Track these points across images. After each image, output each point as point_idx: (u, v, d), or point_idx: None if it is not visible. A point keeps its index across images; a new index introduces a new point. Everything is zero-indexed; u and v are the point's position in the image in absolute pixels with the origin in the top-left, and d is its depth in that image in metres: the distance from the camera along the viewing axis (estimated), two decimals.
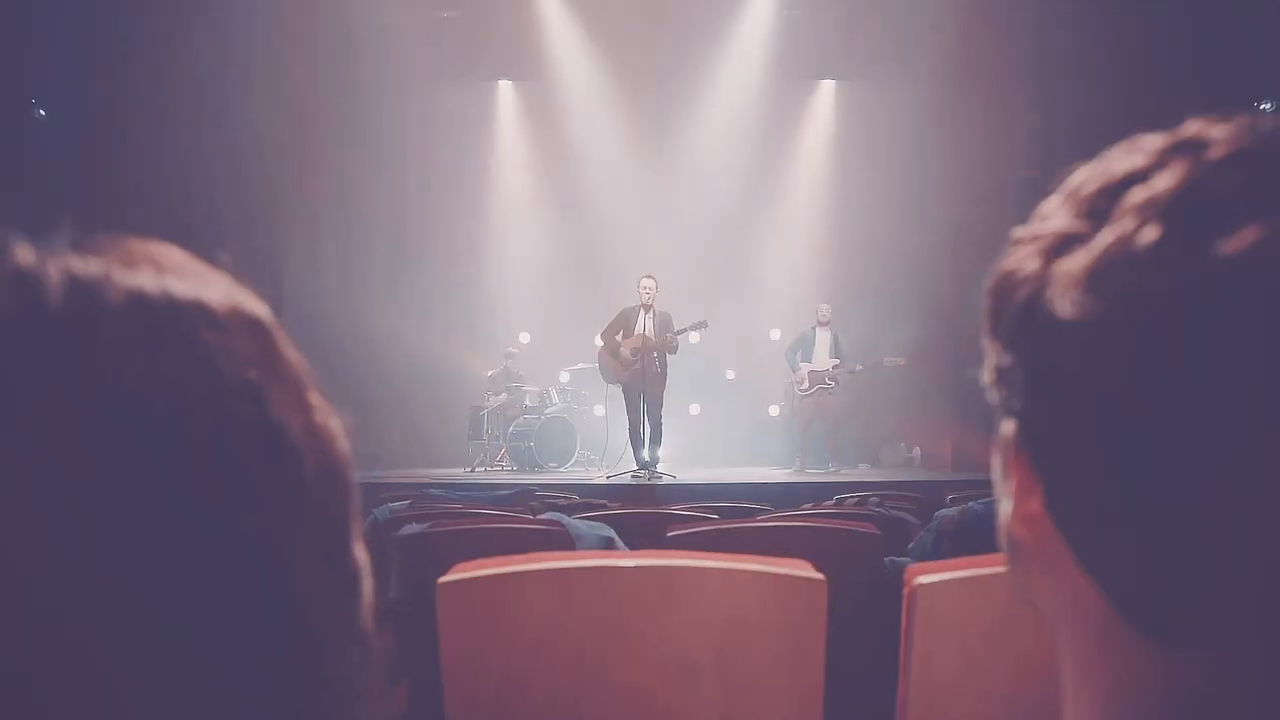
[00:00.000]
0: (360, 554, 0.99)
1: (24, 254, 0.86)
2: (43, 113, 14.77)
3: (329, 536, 0.95)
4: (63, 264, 0.86)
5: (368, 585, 0.98)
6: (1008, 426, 0.95)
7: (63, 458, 0.80)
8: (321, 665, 0.93)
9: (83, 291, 0.85)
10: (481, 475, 15.48)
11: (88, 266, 0.87)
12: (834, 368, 15.37)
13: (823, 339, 15.55)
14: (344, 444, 0.98)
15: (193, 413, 0.85)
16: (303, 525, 0.91)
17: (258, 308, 0.96)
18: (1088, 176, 0.91)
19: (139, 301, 0.87)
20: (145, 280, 0.88)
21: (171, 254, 0.95)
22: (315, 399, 0.97)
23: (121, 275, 0.88)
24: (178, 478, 0.83)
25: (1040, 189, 0.97)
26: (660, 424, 14.09)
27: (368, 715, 0.98)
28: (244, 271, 0.98)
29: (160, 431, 0.83)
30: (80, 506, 0.79)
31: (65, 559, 0.80)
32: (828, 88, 18.99)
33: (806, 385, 15.42)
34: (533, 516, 4.85)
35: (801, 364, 15.59)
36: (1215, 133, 0.85)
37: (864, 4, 16.70)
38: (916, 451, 17.96)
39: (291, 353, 0.97)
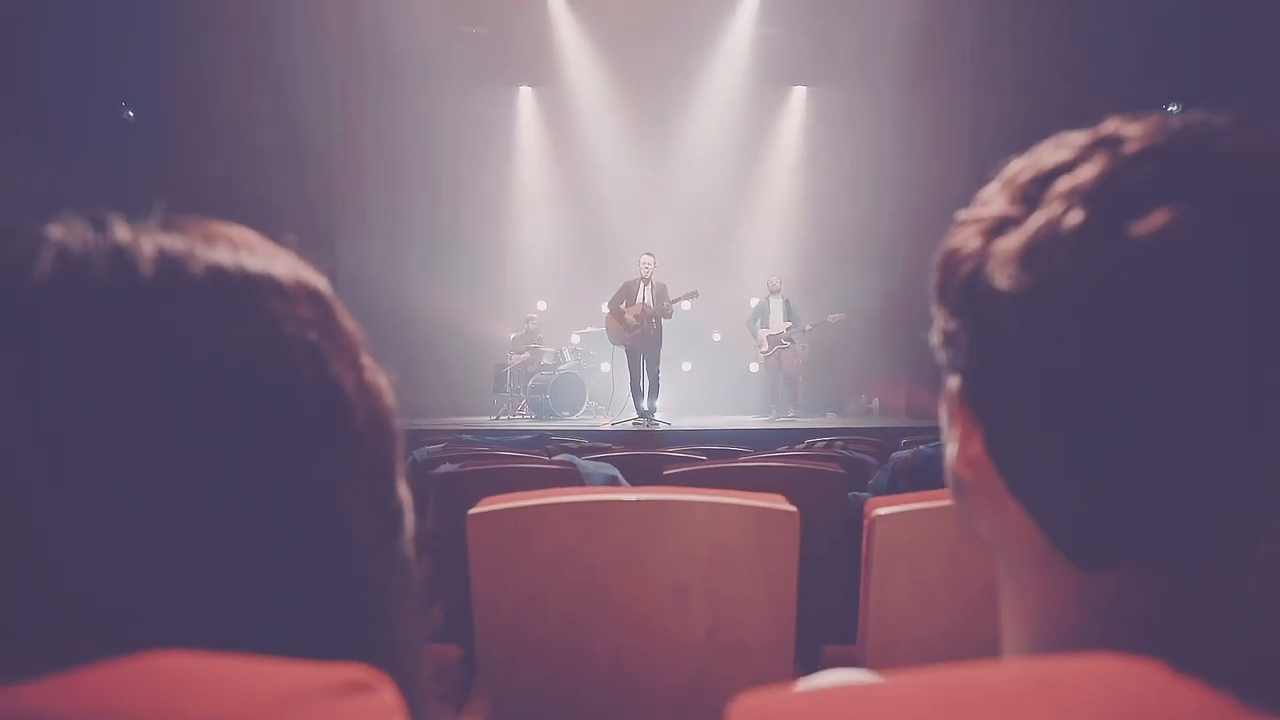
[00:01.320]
0: (403, 492, 1.01)
1: (121, 230, 0.88)
2: (131, 114, 14.78)
3: (377, 476, 0.97)
4: (154, 240, 0.88)
5: (409, 519, 1.01)
6: (953, 381, 0.96)
7: (151, 405, 0.81)
8: (369, 587, 0.94)
9: (170, 264, 0.87)
10: (505, 423, 15.57)
11: (174, 243, 0.89)
12: (788, 329, 15.46)
13: (776, 306, 15.70)
14: (389, 397, 1.00)
15: (261, 370, 0.87)
16: (354, 467, 0.93)
17: (318, 280, 0.98)
18: (1021, 167, 0.91)
19: (217, 274, 0.88)
20: (223, 255, 0.90)
21: (244, 233, 0.96)
22: (366, 359, 0.99)
23: (203, 251, 0.89)
24: (248, 425, 0.85)
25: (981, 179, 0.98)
26: (657, 379, 14.25)
27: (408, 630, 0.99)
28: (304, 249, 0.99)
29: (233, 385, 0.85)
30: (166, 449, 0.82)
31: (161, 485, 0.82)
32: (800, 93, 19.13)
33: (766, 348, 15.54)
34: (548, 458, 4.84)
35: (760, 330, 15.69)
36: (1130, 130, 0.85)
37: (830, 24, 16.82)
38: (875, 403, 18.08)
39: (346, 319, 0.99)
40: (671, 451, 6.26)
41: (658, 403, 14.45)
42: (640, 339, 13.92)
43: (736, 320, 18.65)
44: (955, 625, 2.07)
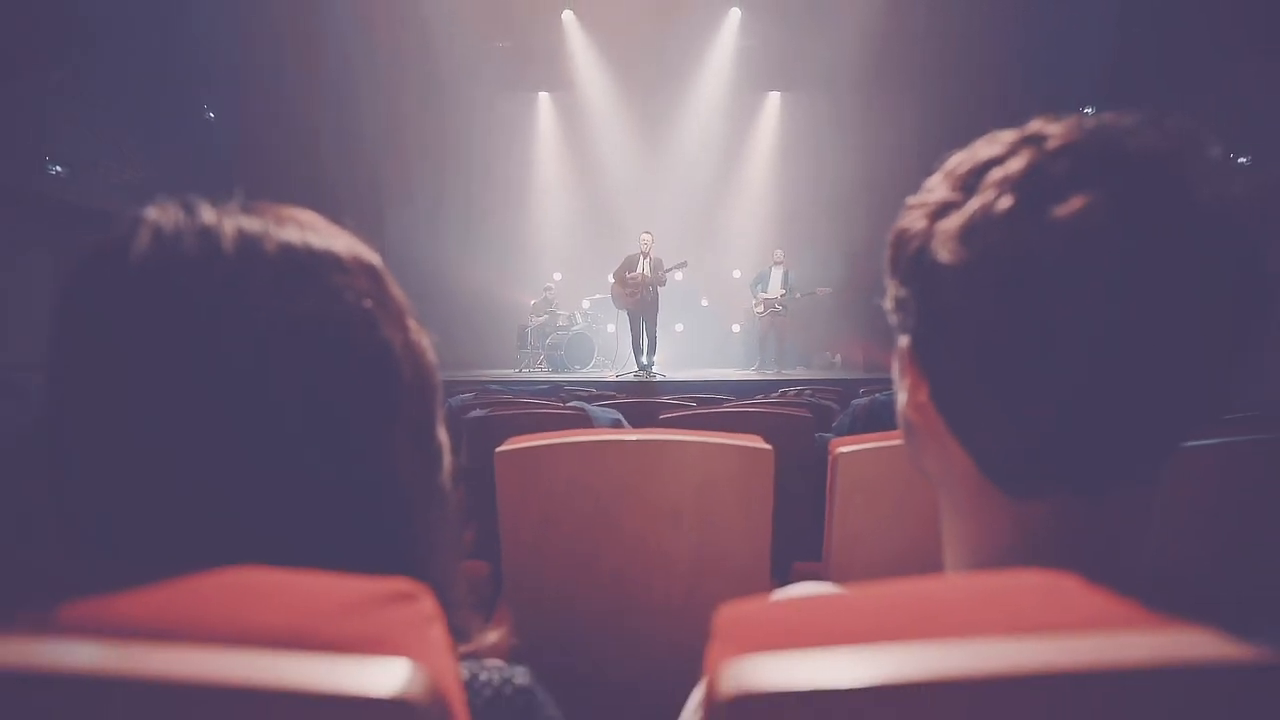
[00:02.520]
0: (442, 435, 1.03)
1: (207, 213, 0.90)
2: (212, 115, 14.75)
3: (420, 422, 0.99)
4: (235, 221, 0.90)
5: (447, 458, 1.03)
6: (903, 340, 0.97)
7: (231, 363, 0.83)
8: (413, 513, 0.97)
9: (248, 242, 0.89)
10: (525, 375, 15.62)
11: (251, 224, 0.90)
12: (781, 296, 15.48)
13: (776, 274, 15.73)
14: (431, 355, 1.02)
15: (325, 334, 0.89)
16: (401, 414, 0.95)
17: (371, 255, 1.00)
18: (960, 160, 0.92)
19: (288, 251, 0.90)
20: (292, 235, 0.92)
21: (309, 215, 0.98)
22: (411, 323, 1.00)
23: (275, 231, 0.91)
24: (312, 381, 0.87)
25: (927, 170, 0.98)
26: (655, 338, 14.35)
27: (445, 548, 1.01)
28: (357, 226, 1.01)
29: (301, 347, 0.87)
30: (246, 399, 0.84)
31: (242, 429, 0.84)
32: (775, 97, 19.15)
33: (761, 309, 15.55)
34: (562, 404, 4.84)
35: (760, 292, 15.72)
36: (1051, 129, 0.86)
37: (799, 38, 16.82)
38: (838, 358, 18.18)
39: (395, 288, 1.01)
40: (666, 399, 6.27)
41: (655, 358, 14.55)
42: (640, 304, 14.03)
43: (722, 287, 18.76)
44: (905, 546, 2.07)
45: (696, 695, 1.04)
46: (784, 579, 3.19)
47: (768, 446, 2.19)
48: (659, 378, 13.81)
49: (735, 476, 2.18)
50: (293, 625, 0.61)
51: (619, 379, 13.83)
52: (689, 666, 0.84)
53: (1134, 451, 0.86)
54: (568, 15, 17.95)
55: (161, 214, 0.90)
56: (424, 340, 1.03)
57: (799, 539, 3.25)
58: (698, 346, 19.59)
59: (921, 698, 0.57)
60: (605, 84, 18.59)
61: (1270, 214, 0.81)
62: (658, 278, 13.94)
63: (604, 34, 17.83)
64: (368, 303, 0.94)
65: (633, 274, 14.00)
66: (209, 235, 0.88)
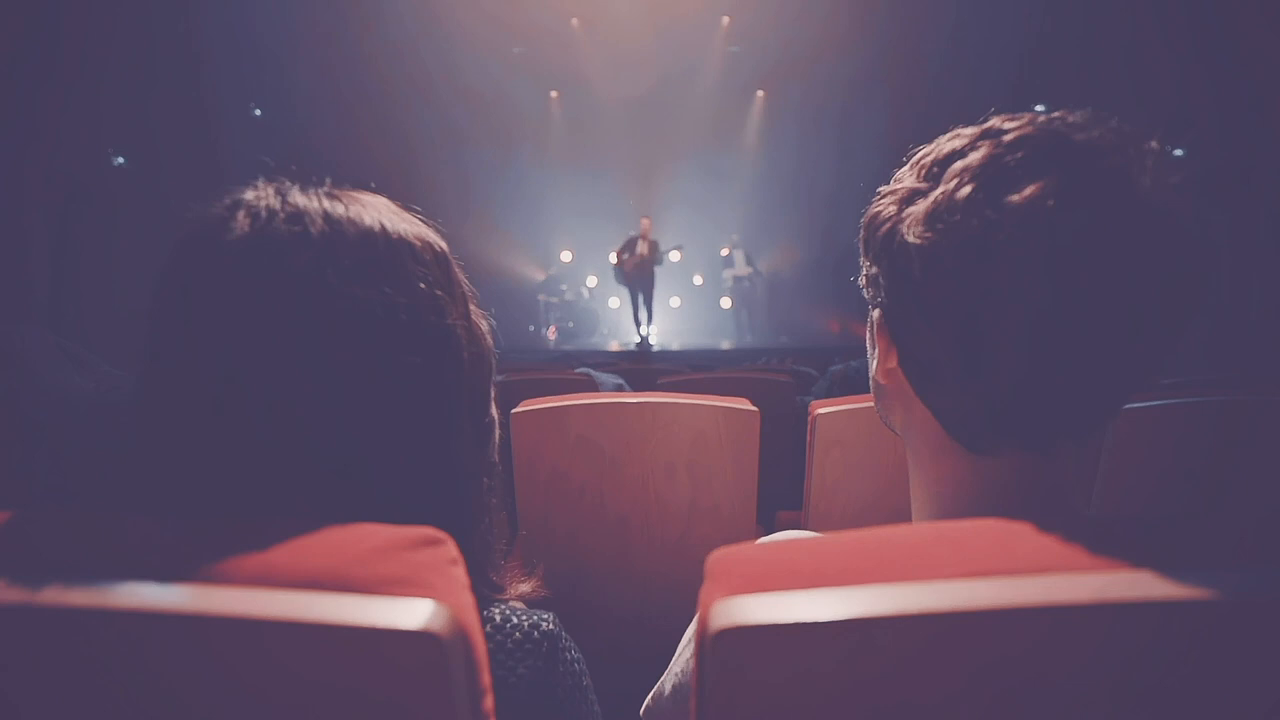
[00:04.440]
0: (494, 412, 1.05)
1: (297, 196, 0.90)
2: (259, 112, 14.68)
3: (477, 400, 1.01)
4: (321, 206, 0.90)
5: (497, 433, 1.06)
6: (875, 313, 0.98)
7: (310, 341, 0.84)
8: (466, 481, 0.98)
9: (333, 228, 0.89)
10: (539, 344, 15.63)
11: (336, 208, 0.91)
12: (749, 272, 15.60)
13: (739, 255, 15.79)
14: (488, 339, 1.04)
15: (397, 318, 0.89)
16: (461, 393, 0.96)
17: (441, 243, 1.00)
18: (926, 152, 0.94)
19: (368, 238, 0.90)
20: (372, 222, 0.92)
21: (384, 202, 0.98)
22: (474, 308, 1.02)
23: (358, 217, 0.91)
24: (384, 360, 0.87)
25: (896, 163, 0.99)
26: (652, 312, 14.43)
27: (492, 508, 1.03)
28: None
29: (375, 329, 0.87)
30: (322, 371, 0.84)
31: (317, 404, 0.85)
32: (759, 96, 19.03)
33: (731, 284, 15.69)
34: (571, 370, 4.85)
35: (726, 270, 15.84)
36: (1008, 124, 0.87)
37: (780, 43, 16.69)
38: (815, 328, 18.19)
39: (461, 274, 1.02)
40: (663, 366, 6.28)
41: (652, 329, 14.61)
42: (640, 282, 14.11)
43: (711, 267, 18.76)
44: (875, 495, 2.08)
45: (690, 630, 1.05)
46: (769, 525, 3.21)
47: (754, 408, 2.20)
48: (656, 348, 13.86)
49: (725, 434, 2.19)
50: (329, 568, 0.61)
51: (621, 349, 13.89)
52: (684, 600, 0.85)
53: (1079, 413, 0.87)
54: (575, 22, 17.86)
55: (257, 196, 0.90)
56: (483, 325, 1.04)
57: (782, 489, 3.27)
58: (691, 320, 19.64)
59: (887, 631, 0.57)
60: (609, 83, 18.52)
61: (1202, 202, 0.82)
62: (655, 258, 14.01)
63: (607, 38, 17.75)
64: (438, 290, 0.94)
65: (632, 254, 14.04)
66: (298, 220, 0.88)
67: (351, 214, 0.91)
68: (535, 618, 0.99)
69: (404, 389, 0.89)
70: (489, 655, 0.68)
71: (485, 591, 1.01)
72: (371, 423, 0.87)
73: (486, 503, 1.02)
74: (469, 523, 0.97)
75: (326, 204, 0.91)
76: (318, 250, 0.87)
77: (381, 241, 0.91)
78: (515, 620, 0.97)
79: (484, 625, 0.95)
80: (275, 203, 0.89)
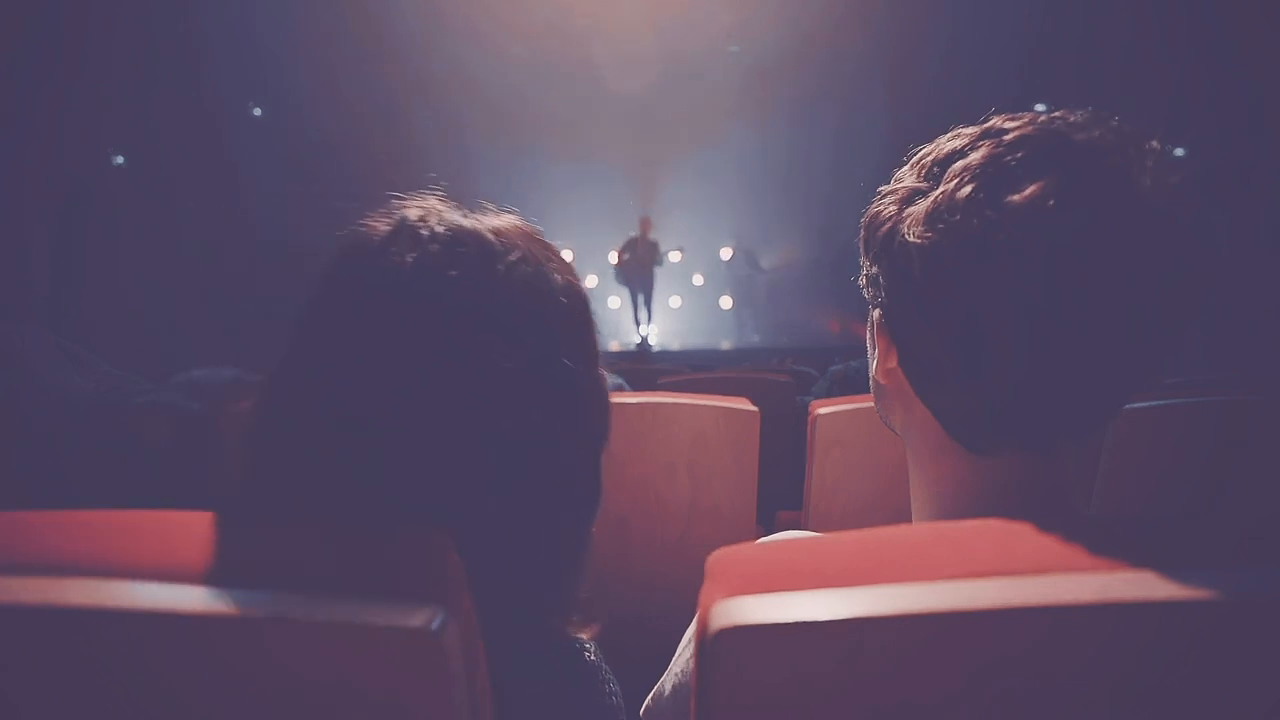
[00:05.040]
0: (600, 471, 1.01)
1: (412, 213, 0.91)
2: (259, 111, 14.66)
3: (595, 455, 0.99)
4: (480, 238, 0.91)
5: (601, 494, 1.01)
6: (875, 313, 0.98)
7: (459, 376, 0.84)
8: (570, 533, 0.98)
9: (487, 260, 0.89)
10: None
11: (502, 239, 0.92)
12: (755, 271, 15.69)
13: (739, 255, 15.95)
14: (608, 396, 1.01)
15: (542, 367, 0.90)
16: (583, 448, 0.97)
17: (584, 290, 1.02)
18: (926, 152, 0.94)
19: (529, 282, 0.92)
20: (533, 265, 0.93)
21: (547, 248, 1.00)
22: (599, 368, 1.00)
23: (528, 252, 0.93)
24: (520, 406, 0.88)
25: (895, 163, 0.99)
26: (651, 312, 14.43)
27: (584, 556, 1.01)
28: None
29: (518, 375, 0.87)
30: (464, 409, 0.84)
31: (453, 439, 0.84)
32: (759, 95, 19.00)
33: (747, 275, 15.85)
34: None
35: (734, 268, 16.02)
36: (1009, 124, 0.87)
37: (777, 44, 16.68)
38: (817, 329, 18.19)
39: (593, 328, 1.01)
40: (663, 366, 6.28)
41: (652, 329, 14.62)
42: (639, 282, 14.12)
43: (711, 267, 18.75)
44: (875, 496, 2.08)
45: (690, 630, 1.05)
46: (769, 525, 3.21)
47: (754, 408, 2.20)
48: (656, 348, 13.86)
49: (725, 434, 2.19)
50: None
51: (622, 348, 13.89)
52: (684, 600, 0.85)
53: (1079, 413, 0.87)
54: (576, 22, 17.84)
55: (422, 219, 0.91)
56: (605, 381, 1.02)
57: (782, 489, 3.26)
58: (691, 320, 19.63)
59: (886, 631, 0.57)
60: (609, 81, 18.50)
61: (1202, 202, 0.82)
62: (655, 259, 14.02)
63: (607, 37, 17.74)
64: (580, 345, 0.95)
65: (633, 254, 14.06)
66: (462, 259, 0.88)
67: (513, 258, 0.91)
68: (580, 645, 0.99)
69: (533, 436, 0.89)
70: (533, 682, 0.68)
71: (556, 632, 1.00)
72: (491, 465, 0.86)
73: (584, 545, 1.01)
74: (565, 575, 0.97)
75: (486, 237, 0.91)
76: (475, 295, 0.87)
77: (545, 290, 0.92)
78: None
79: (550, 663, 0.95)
80: (441, 230, 0.90)
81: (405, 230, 0.89)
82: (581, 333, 0.96)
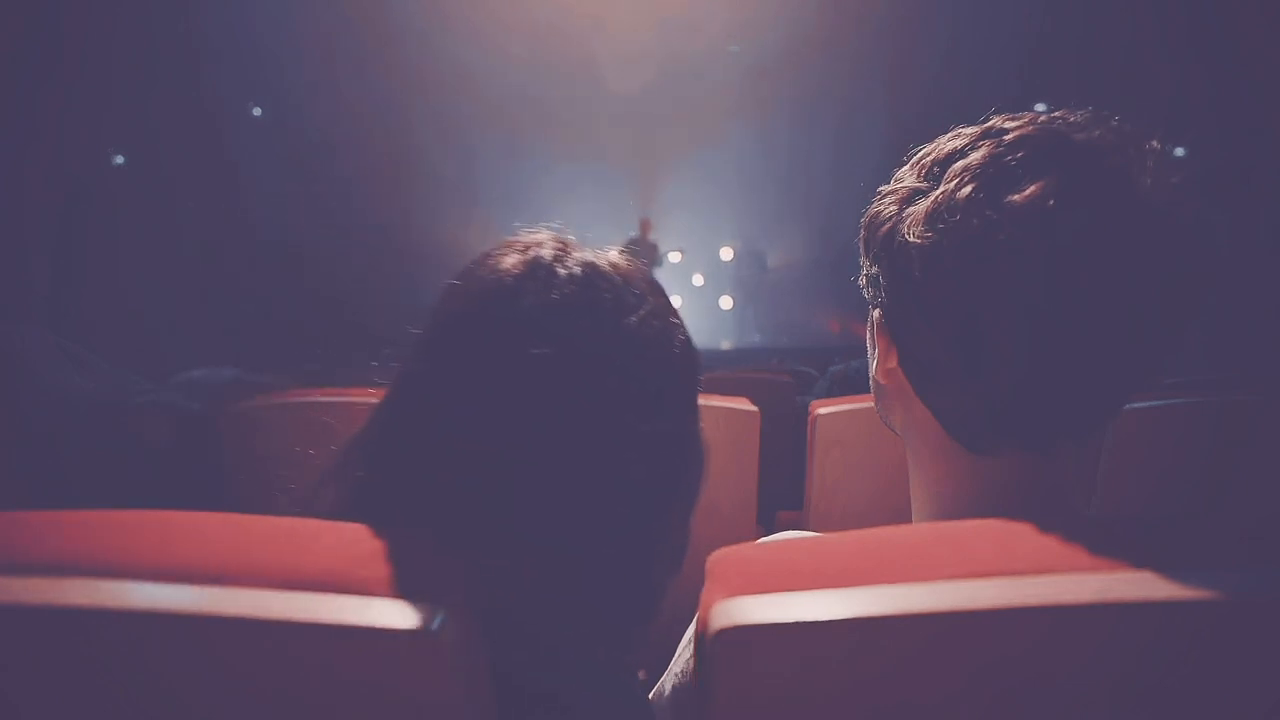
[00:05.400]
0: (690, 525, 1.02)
1: (545, 252, 0.92)
2: (259, 111, 14.65)
3: (690, 506, 1.00)
4: (615, 281, 0.92)
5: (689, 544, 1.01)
6: (875, 313, 0.98)
7: (577, 420, 0.85)
8: (658, 580, 0.96)
9: (621, 308, 0.91)
10: None
11: (626, 293, 0.93)
12: (762, 272, 15.71)
13: (742, 254, 16.01)
14: (705, 451, 1.01)
15: (663, 436, 0.91)
16: (684, 500, 0.98)
17: (695, 348, 1.03)
18: (926, 151, 0.94)
19: (665, 334, 0.94)
20: (657, 317, 0.94)
21: (662, 297, 0.99)
22: (700, 422, 1.00)
23: (651, 304, 0.94)
24: (634, 457, 0.89)
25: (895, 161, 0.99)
26: None
27: (660, 600, 1.00)
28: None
29: (639, 436, 0.88)
30: (580, 455, 0.85)
31: (564, 482, 0.85)
32: (759, 95, 19.01)
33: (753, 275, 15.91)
34: None
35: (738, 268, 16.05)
36: (1009, 124, 0.87)
37: (780, 46, 16.67)
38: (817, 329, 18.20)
39: (698, 386, 1.01)
40: None
41: None
42: None
43: (712, 268, 18.76)
44: (875, 495, 2.08)
45: (690, 630, 1.05)
46: (769, 525, 3.21)
47: (754, 408, 2.20)
48: None
49: (725, 434, 2.18)
50: (330, 568, 0.61)
51: None
52: (684, 600, 0.85)
53: (1079, 413, 0.87)
54: (576, 22, 17.83)
55: (556, 258, 0.91)
56: (703, 438, 1.03)
57: (782, 489, 3.26)
58: (691, 321, 19.55)
59: (887, 631, 0.57)
60: (609, 81, 18.49)
61: (1202, 202, 0.82)
62: (655, 259, 14.04)
63: (607, 37, 17.73)
64: (694, 402, 0.98)
65: (631, 254, 14.11)
66: (590, 292, 0.90)
67: (644, 311, 0.92)
68: (634, 678, 1.00)
69: (642, 487, 0.90)
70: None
71: (621, 664, 1.00)
72: (602, 509, 0.87)
73: (660, 602, 1.01)
74: (645, 618, 0.97)
75: (624, 289, 0.93)
76: (607, 342, 0.88)
77: (666, 348, 0.94)
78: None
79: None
80: (577, 272, 0.91)
81: (541, 269, 0.90)
82: (692, 390, 0.98)
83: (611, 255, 0.96)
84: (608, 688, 0.92)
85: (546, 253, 0.91)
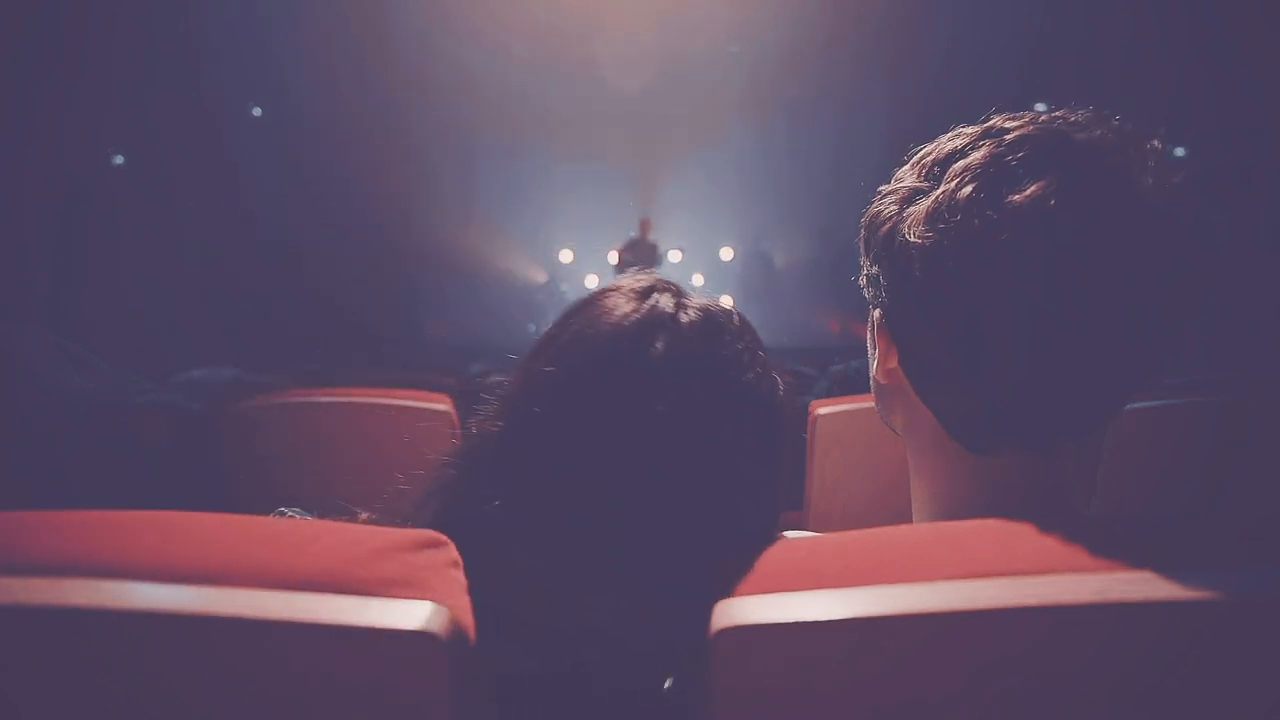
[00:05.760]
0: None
1: (665, 301, 0.94)
2: (258, 111, 14.64)
3: (785, 448, 0.99)
4: (692, 307, 0.94)
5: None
6: (875, 313, 0.98)
7: (683, 442, 0.87)
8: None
9: (704, 330, 0.93)
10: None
11: (702, 303, 0.96)
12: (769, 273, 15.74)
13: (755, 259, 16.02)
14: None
15: (762, 438, 0.93)
16: (777, 441, 0.97)
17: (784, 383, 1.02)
18: (927, 151, 0.94)
19: (759, 376, 0.94)
20: (756, 363, 0.95)
21: (743, 325, 1.00)
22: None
23: (713, 314, 0.95)
24: (738, 427, 0.91)
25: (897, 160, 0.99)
26: None
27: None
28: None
29: (749, 475, 0.90)
30: (715, 435, 0.88)
31: (715, 458, 0.88)
32: (759, 95, 18.99)
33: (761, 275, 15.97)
34: None
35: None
36: (1010, 124, 0.87)
37: (780, 46, 16.65)
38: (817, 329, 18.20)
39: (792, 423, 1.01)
40: None
41: None
42: None
43: (712, 267, 18.77)
44: (876, 495, 2.08)
45: None
46: None
47: None
48: None
49: None
50: (330, 569, 0.61)
51: None
52: None
53: (1079, 413, 0.87)
54: (576, 22, 17.82)
55: (677, 311, 0.93)
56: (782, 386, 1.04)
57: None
58: None
59: (887, 631, 0.57)
60: (609, 81, 18.47)
61: (1203, 202, 0.82)
62: (654, 259, 14.06)
63: (607, 37, 17.71)
64: (783, 460, 0.98)
65: (633, 255, 14.10)
66: (672, 320, 0.92)
67: (759, 371, 0.95)
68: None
69: (749, 528, 0.90)
70: None
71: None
72: (704, 551, 0.85)
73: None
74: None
75: (738, 349, 0.94)
76: (722, 397, 0.90)
77: (774, 408, 0.95)
78: None
79: None
80: (696, 318, 0.93)
81: (663, 320, 0.92)
82: (787, 446, 0.99)
83: (724, 301, 0.99)
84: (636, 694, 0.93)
85: (666, 302, 0.94)
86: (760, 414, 0.93)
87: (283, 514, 1.05)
